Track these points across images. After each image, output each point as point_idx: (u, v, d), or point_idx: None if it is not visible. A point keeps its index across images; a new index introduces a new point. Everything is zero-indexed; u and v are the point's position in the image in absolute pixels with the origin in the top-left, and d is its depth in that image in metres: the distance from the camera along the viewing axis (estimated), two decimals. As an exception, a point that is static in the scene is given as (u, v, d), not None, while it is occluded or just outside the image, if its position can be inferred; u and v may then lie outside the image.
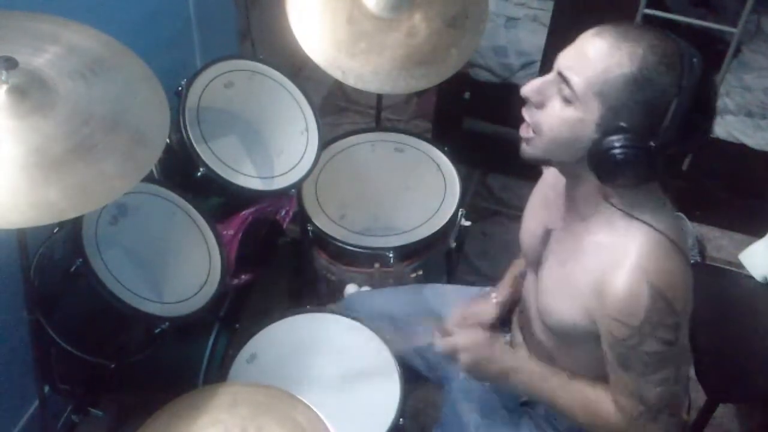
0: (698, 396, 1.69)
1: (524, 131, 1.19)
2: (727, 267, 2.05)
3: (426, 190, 1.99)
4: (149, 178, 1.61)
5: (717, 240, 2.65)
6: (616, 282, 1.11)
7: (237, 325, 1.67)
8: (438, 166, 2.03)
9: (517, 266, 1.57)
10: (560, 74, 1.12)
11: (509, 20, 2.73)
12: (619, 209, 1.15)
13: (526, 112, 1.18)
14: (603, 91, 1.08)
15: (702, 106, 1.09)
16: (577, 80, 1.09)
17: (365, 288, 1.86)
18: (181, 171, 1.68)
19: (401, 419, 1.43)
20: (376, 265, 1.83)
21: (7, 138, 1.11)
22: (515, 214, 2.64)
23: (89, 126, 1.18)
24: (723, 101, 2.47)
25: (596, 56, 1.08)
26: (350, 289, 1.87)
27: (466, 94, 2.69)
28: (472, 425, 1.43)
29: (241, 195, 1.74)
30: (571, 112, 1.11)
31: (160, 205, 1.63)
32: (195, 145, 1.66)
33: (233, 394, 1.25)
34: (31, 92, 1.16)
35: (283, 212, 1.90)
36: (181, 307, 1.54)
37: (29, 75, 1.18)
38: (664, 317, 1.10)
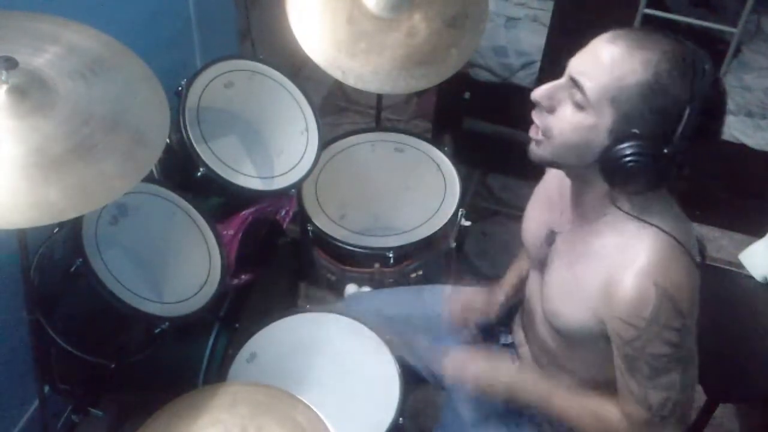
0: (698, 396, 1.69)
1: (534, 133, 1.18)
2: (727, 267, 2.05)
3: (426, 190, 1.99)
4: (149, 178, 1.61)
5: (717, 240, 2.65)
6: (624, 283, 1.11)
7: (237, 325, 1.67)
8: (438, 166, 2.03)
9: (519, 266, 1.57)
10: (572, 79, 1.11)
11: (509, 20, 2.73)
12: (627, 212, 1.15)
13: (536, 116, 1.17)
14: (616, 98, 1.07)
15: (714, 111, 1.09)
16: (590, 86, 1.08)
17: (365, 288, 1.86)
18: (181, 171, 1.68)
19: (401, 419, 1.43)
20: (376, 265, 1.83)
21: (7, 138, 1.11)
22: (515, 214, 2.64)
23: (89, 126, 1.18)
24: (723, 101, 2.47)
25: (611, 62, 1.07)
26: (350, 289, 1.87)
27: (466, 94, 2.69)
28: (472, 425, 1.44)
29: (241, 195, 1.74)
30: (582, 118, 1.10)
31: (160, 205, 1.63)
32: (195, 145, 1.66)
33: (233, 394, 1.25)
34: (31, 92, 1.16)
35: (283, 212, 1.90)
36: (181, 307, 1.54)
37: (29, 75, 1.18)
38: (671, 319, 1.10)
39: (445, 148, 2.04)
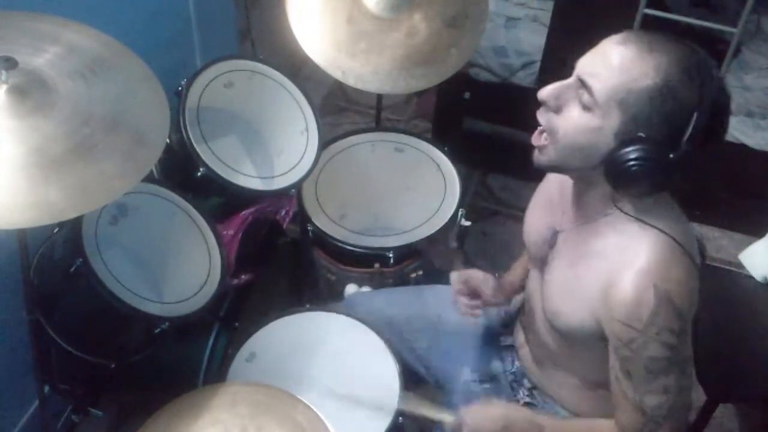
0: (698, 396, 1.69)
1: (536, 140, 1.17)
2: (727, 267, 2.05)
3: (426, 190, 1.99)
4: (149, 178, 1.61)
5: (717, 240, 2.65)
6: (623, 284, 1.11)
7: (237, 325, 1.67)
8: (438, 166, 2.03)
9: (524, 262, 1.56)
10: (581, 80, 1.10)
11: (509, 20, 2.73)
12: (628, 214, 1.15)
13: (541, 116, 1.16)
14: (625, 100, 1.07)
15: (720, 116, 1.09)
16: (599, 87, 1.08)
17: (365, 288, 1.86)
18: (181, 171, 1.68)
19: (401, 419, 1.43)
20: (376, 265, 1.83)
21: (7, 138, 1.11)
22: (515, 214, 2.64)
23: (89, 126, 1.18)
24: (723, 101, 2.48)
25: (621, 65, 1.07)
26: (350, 289, 1.87)
27: (466, 94, 2.69)
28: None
29: (241, 195, 1.74)
30: (589, 119, 1.10)
31: (160, 205, 1.63)
32: (195, 145, 1.66)
33: (233, 394, 1.25)
34: (31, 92, 1.16)
35: (283, 212, 1.90)
36: (181, 307, 1.54)
37: (29, 75, 1.18)
38: (670, 321, 1.10)
39: (446, 148, 2.05)
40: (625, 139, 1.08)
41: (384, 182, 2.05)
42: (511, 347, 1.52)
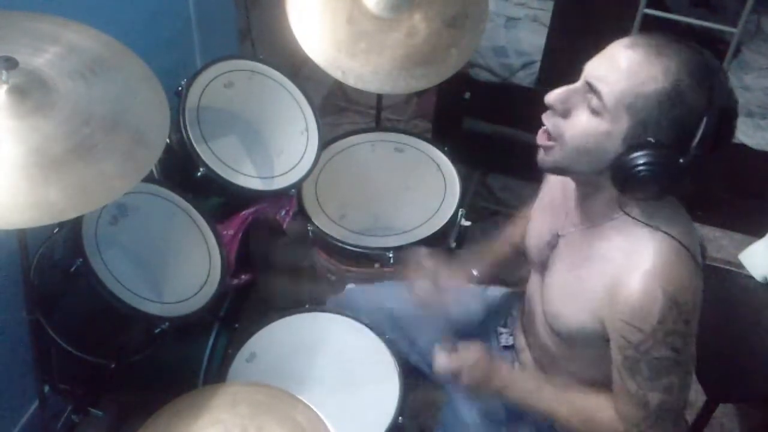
0: (698, 396, 1.69)
1: (542, 139, 1.16)
2: (727, 267, 2.05)
3: (426, 190, 1.99)
4: (149, 178, 1.61)
5: (717, 240, 2.65)
6: (631, 286, 1.11)
7: (237, 325, 1.67)
8: (438, 166, 2.03)
9: (499, 245, 1.58)
10: (589, 84, 1.10)
11: (509, 20, 2.74)
12: (635, 218, 1.15)
13: (547, 119, 1.15)
14: (633, 105, 1.06)
15: (729, 119, 1.09)
16: (607, 92, 1.07)
17: (365, 288, 1.86)
18: (181, 171, 1.68)
19: (401, 418, 1.43)
20: (376, 265, 1.83)
21: (7, 138, 1.11)
22: (515, 214, 2.64)
23: (89, 126, 1.18)
24: (723, 101, 2.48)
25: (629, 69, 1.06)
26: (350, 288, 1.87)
27: (466, 94, 2.69)
28: (472, 425, 1.43)
29: (241, 195, 1.74)
30: (597, 124, 1.09)
31: (160, 205, 1.63)
32: (195, 145, 1.66)
33: (233, 394, 1.25)
34: (31, 92, 1.16)
35: (283, 212, 1.90)
36: (181, 307, 1.54)
37: (29, 75, 1.18)
38: (677, 323, 1.10)
39: (446, 148, 2.04)
40: (633, 143, 1.07)
41: (384, 182, 2.05)
42: (512, 349, 1.52)
